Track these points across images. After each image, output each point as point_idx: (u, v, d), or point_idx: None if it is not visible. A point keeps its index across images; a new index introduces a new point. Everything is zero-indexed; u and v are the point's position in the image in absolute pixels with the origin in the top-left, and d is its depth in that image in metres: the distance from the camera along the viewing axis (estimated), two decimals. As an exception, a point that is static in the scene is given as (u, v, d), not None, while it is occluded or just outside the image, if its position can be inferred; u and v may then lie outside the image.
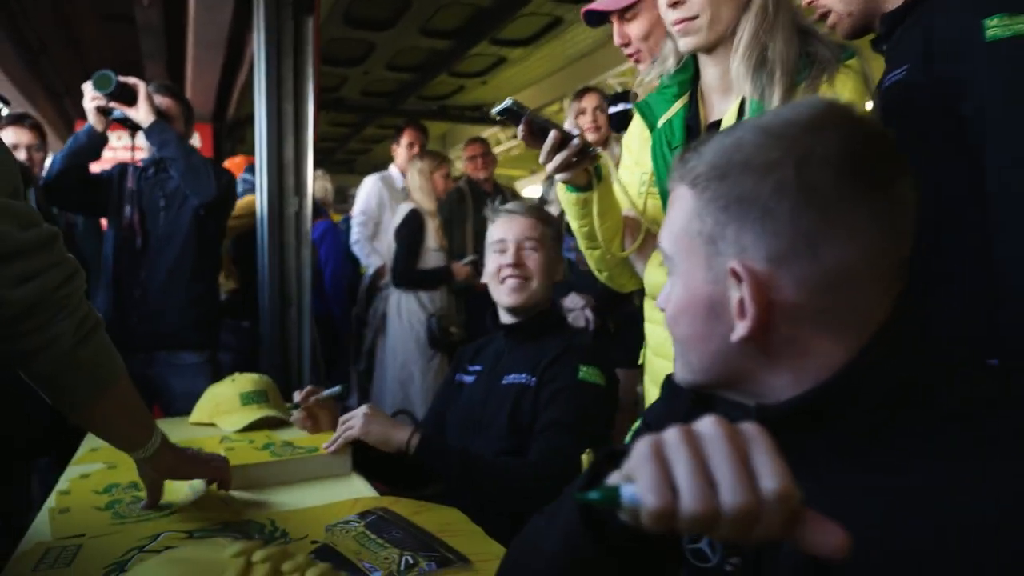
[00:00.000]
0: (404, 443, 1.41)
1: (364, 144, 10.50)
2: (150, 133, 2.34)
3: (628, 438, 0.84)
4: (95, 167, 2.54)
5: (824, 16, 1.28)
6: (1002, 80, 1.00)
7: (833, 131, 0.61)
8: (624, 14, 1.66)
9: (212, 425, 1.83)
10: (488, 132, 8.06)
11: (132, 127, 2.40)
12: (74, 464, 1.54)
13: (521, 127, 1.16)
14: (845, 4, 1.26)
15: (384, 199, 3.95)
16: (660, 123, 1.28)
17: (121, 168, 2.56)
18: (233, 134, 7.32)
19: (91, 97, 2.33)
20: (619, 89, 7.24)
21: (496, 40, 5.72)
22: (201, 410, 1.88)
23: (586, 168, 1.21)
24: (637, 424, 0.83)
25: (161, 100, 2.47)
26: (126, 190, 2.49)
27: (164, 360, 2.45)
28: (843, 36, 1.30)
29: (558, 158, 1.16)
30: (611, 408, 1.51)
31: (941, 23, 1.06)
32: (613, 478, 0.49)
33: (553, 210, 1.57)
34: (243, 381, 1.90)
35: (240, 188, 3.08)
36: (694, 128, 1.23)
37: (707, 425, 0.47)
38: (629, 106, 2.03)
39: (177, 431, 1.79)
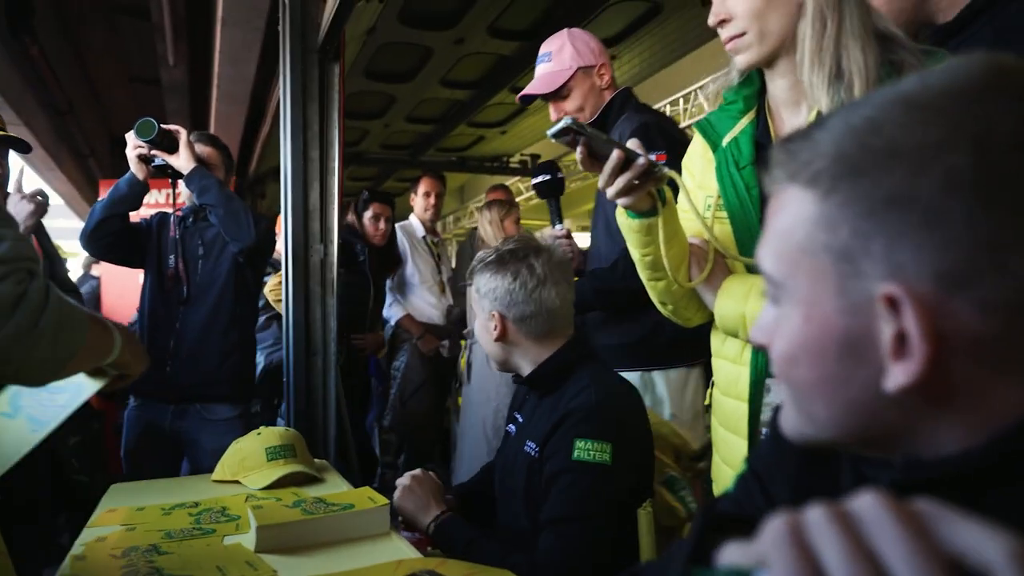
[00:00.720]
0: (426, 526, 1.37)
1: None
2: (191, 179, 2.31)
3: (732, 484, 0.70)
4: (134, 217, 2.50)
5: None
6: None
7: (1015, 101, 0.47)
8: (559, 93, 1.86)
9: (236, 483, 1.71)
10: (509, 181, 8.07)
11: (173, 175, 2.37)
12: (90, 527, 1.42)
13: (580, 148, 1.07)
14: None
15: (405, 248, 3.89)
16: (725, 141, 1.18)
17: (160, 216, 2.52)
18: (255, 189, 7.38)
19: (133, 145, 2.31)
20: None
21: (516, 88, 5.74)
22: (224, 467, 1.76)
23: (649, 192, 1.10)
24: (742, 468, 0.70)
25: (202, 149, 2.44)
26: (167, 239, 2.44)
27: (197, 414, 2.35)
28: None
29: (620, 181, 1.06)
30: (626, 480, 1.31)
31: None
32: (731, 554, 0.37)
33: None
34: (269, 435, 1.78)
35: None
36: (764, 145, 1.13)
37: (868, 504, 0.35)
38: (553, 175, 2.02)
39: (198, 490, 1.67)
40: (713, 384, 1.26)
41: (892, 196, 0.47)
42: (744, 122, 1.17)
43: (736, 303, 1.10)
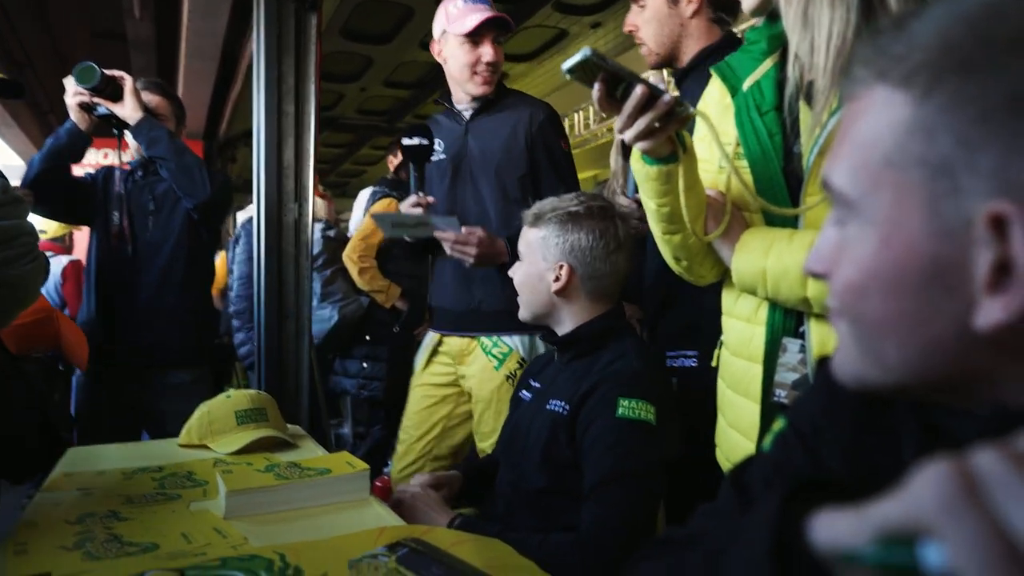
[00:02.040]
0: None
1: (358, 166, 10.34)
2: (138, 130, 2.15)
3: (768, 443, 0.63)
4: (77, 170, 2.35)
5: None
6: None
7: None
8: None
9: (204, 447, 1.61)
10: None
11: (118, 125, 2.21)
12: (44, 491, 1.31)
13: (598, 85, 0.95)
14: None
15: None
16: (746, 85, 1.09)
17: (106, 171, 2.37)
18: (225, 151, 7.14)
19: (73, 92, 2.15)
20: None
21: (498, 55, 5.61)
22: (192, 431, 1.66)
23: (669, 136, 1.00)
24: (779, 426, 0.63)
25: (151, 97, 2.29)
26: (113, 194, 2.29)
27: (154, 379, 2.24)
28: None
29: (642, 121, 0.95)
30: (666, 447, 1.28)
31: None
32: (859, 523, 0.30)
33: None
34: (239, 398, 1.69)
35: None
36: (796, 95, 1.04)
37: None
38: (425, 141, 1.89)
39: (163, 454, 1.58)
40: (721, 344, 1.19)
41: (1016, 96, 0.39)
42: (767, 64, 1.08)
43: (756, 258, 1.02)
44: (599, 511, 1.20)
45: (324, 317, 3.39)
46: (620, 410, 1.23)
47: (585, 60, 0.92)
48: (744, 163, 1.07)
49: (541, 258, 1.41)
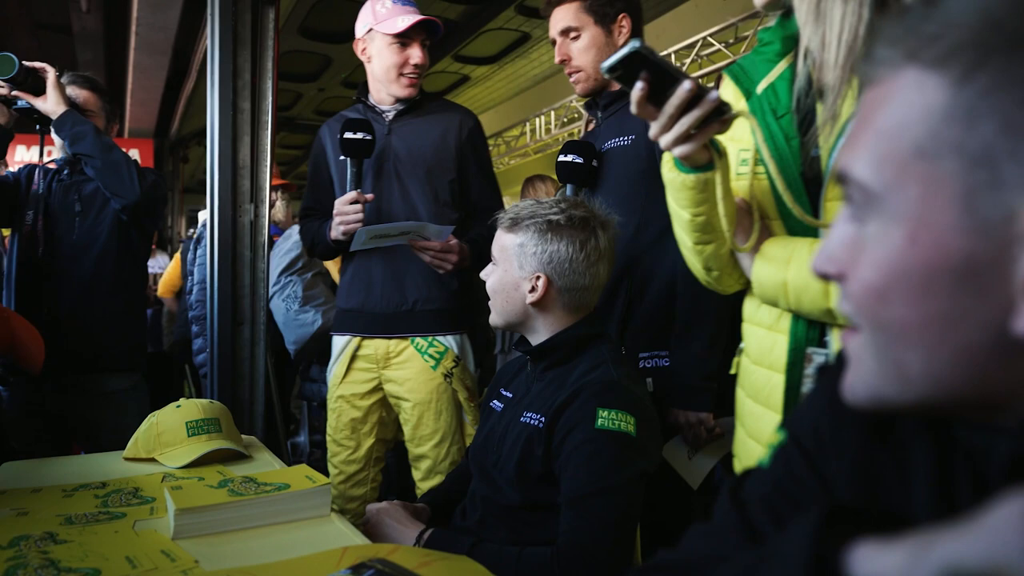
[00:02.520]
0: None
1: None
2: (60, 125, 2.04)
3: (767, 459, 0.60)
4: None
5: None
6: None
7: None
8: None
9: (152, 460, 1.51)
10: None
11: (40, 120, 2.09)
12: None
13: (641, 84, 0.90)
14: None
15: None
16: (760, 88, 1.06)
17: (28, 169, 2.24)
18: (176, 151, 6.92)
19: None
20: (584, 112, 7.17)
21: (460, 57, 5.55)
22: (138, 443, 1.56)
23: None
24: (779, 438, 0.59)
25: (78, 92, 2.17)
26: (31, 193, 2.17)
27: (83, 388, 2.11)
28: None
29: (685, 121, 0.90)
30: (648, 458, 1.24)
31: None
32: (903, 555, 0.27)
33: None
34: (190, 408, 1.59)
35: None
36: (807, 91, 1.02)
37: None
38: (368, 136, 1.83)
39: (107, 469, 1.48)
40: (741, 352, 1.16)
41: None
42: (782, 66, 1.05)
43: (777, 269, 0.99)
44: (578, 525, 1.15)
45: (307, 321, 3.28)
46: (599, 421, 1.18)
47: (633, 53, 0.87)
48: (761, 168, 1.04)
49: (517, 266, 1.35)
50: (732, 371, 1.20)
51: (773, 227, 1.06)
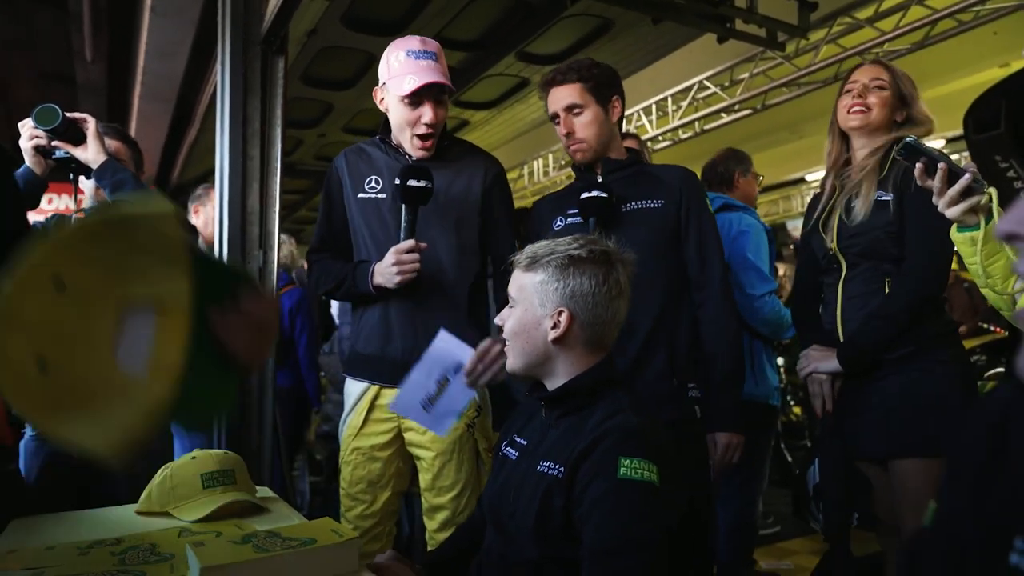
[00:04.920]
0: None
1: (313, 212, 10.22)
2: (102, 173, 2.03)
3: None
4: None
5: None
6: None
7: None
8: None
9: (167, 515, 1.47)
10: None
11: (76, 171, 2.09)
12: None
13: (918, 165, 1.34)
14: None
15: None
16: None
17: (58, 219, 2.23)
18: (177, 198, 6.96)
19: (30, 135, 2.02)
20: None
21: (460, 102, 5.63)
22: (152, 496, 1.52)
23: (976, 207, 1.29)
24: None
25: (110, 142, 2.17)
26: None
27: None
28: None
29: (951, 193, 1.29)
30: (672, 508, 1.20)
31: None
32: None
33: None
34: (204, 459, 1.55)
35: None
36: None
37: None
38: (429, 184, 1.77)
39: (121, 524, 1.43)
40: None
41: None
42: None
43: None
44: None
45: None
46: (621, 470, 1.14)
47: (913, 147, 1.35)
48: None
49: (538, 304, 1.33)
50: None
51: None
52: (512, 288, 1.40)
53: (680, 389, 1.82)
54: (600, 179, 1.92)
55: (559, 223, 1.95)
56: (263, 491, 1.70)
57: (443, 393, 1.67)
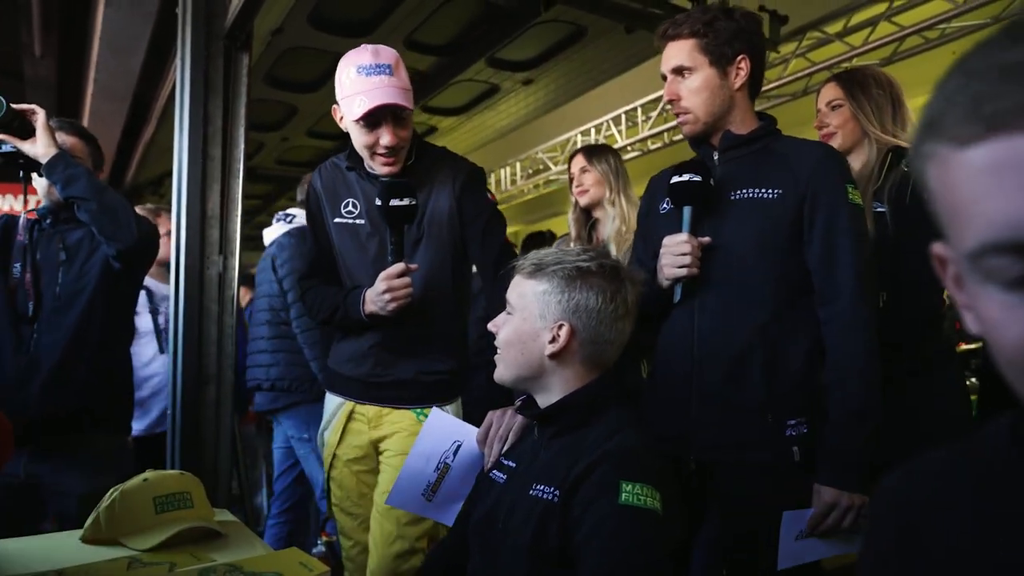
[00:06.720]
0: None
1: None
2: (52, 168, 1.89)
3: None
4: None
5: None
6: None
7: None
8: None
9: (116, 544, 1.34)
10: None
11: (25, 166, 1.95)
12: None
13: None
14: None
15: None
16: None
17: (6, 219, 2.08)
18: (132, 200, 6.71)
19: None
20: (549, 164, 7.22)
21: (427, 108, 5.53)
22: (100, 520, 1.39)
23: None
24: None
25: (64, 138, 2.03)
26: (16, 244, 2.01)
27: (61, 453, 1.93)
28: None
29: None
30: (674, 537, 1.14)
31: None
32: None
33: None
34: (158, 481, 1.43)
35: None
36: None
37: None
38: (414, 201, 1.65)
39: (63, 553, 1.30)
40: None
41: None
42: None
43: None
44: None
45: None
46: (623, 496, 1.08)
47: None
48: None
49: (538, 315, 1.25)
50: None
51: None
52: (512, 294, 1.32)
53: (775, 426, 1.45)
54: (716, 157, 1.59)
55: (665, 206, 1.65)
56: (222, 514, 1.58)
57: (445, 480, 1.51)
